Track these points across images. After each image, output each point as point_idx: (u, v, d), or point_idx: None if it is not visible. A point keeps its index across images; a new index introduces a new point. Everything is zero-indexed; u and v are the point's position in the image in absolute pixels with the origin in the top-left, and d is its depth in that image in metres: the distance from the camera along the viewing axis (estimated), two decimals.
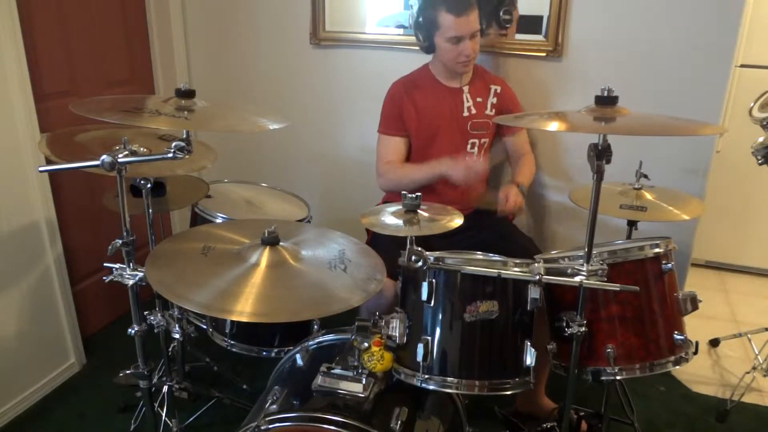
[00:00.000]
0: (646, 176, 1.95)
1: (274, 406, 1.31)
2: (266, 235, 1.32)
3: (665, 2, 2.07)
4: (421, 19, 1.98)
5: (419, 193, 1.43)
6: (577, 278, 1.31)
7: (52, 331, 2.22)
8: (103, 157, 1.24)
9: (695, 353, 1.49)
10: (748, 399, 2.19)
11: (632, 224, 1.93)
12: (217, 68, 2.79)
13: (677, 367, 1.48)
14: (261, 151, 2.84)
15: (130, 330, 1.43)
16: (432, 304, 1.35)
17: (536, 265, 1.33)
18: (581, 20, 2.18)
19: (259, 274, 1.25)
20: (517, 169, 2.19)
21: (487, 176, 2.24)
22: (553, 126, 1.44)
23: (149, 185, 1.64)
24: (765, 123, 2.00)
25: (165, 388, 1.79)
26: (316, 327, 1.66)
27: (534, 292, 1.32)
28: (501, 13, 2.23)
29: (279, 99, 2.72)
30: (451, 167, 1.93)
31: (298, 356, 1.52)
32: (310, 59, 2.61)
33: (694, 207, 1.90)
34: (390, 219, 1.43)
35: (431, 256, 1.35)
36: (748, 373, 2.24)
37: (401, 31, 2.46)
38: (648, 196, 1.92)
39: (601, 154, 1.26)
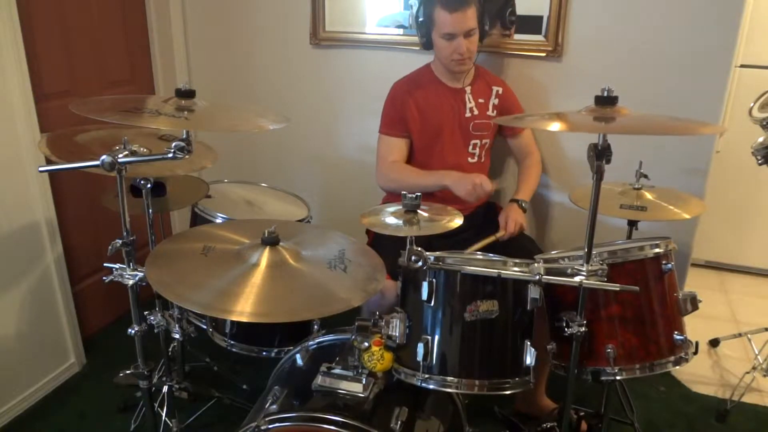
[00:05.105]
0: (646, 176, 1.94)
1: (274, 406, 1.31)
2: (266, 235, 1.32)
3: (665, 2, 2.07)
4: (420, 16, 2.00)
5: (419, 193, 1.43)
6: (577, 278, 1.31)
7: (52, 331, 2.22)
8: (103, 157, 1.24)
9: (695, 353, 1.49)
10: (748, 399, 2.19)
11: (632, 224, 1.93)
12: (217, 68, 2.79)
13: (677, 367, 1.48)
14: (261, 151, 2.84)
15: (130, 330, 1.43)
16: (432, 303, 1.35)
17: (536, 265, 1.33)
18: (581, 20, 2.18)
19: (259, 274, 1.25)
20: (520, 180, 2.19)
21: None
22: (554, 126, 1.44)
23: (149, 185, 1.64)
24: (765, 123, 2.00)
25: (165, 388, 1.79)
26: (316, 327, 1.66)
27: (534, 292, 1.32)
28: (507, 14, 2.23)
29: (279, 99, 2.72)
30: (457, 182, 1.91)
31: (298, 356, 1.52)
32: (310, 59, 2.61)
33: (694, 207, 1.90)
34: (390, 219, 1.43)
35: (431, 256, 1.35)
36: (748, 373, 2.24)
37: (401, 31, 2.45)
38: (648, 195, 1.92)
39: (601, 154, 1.26)
